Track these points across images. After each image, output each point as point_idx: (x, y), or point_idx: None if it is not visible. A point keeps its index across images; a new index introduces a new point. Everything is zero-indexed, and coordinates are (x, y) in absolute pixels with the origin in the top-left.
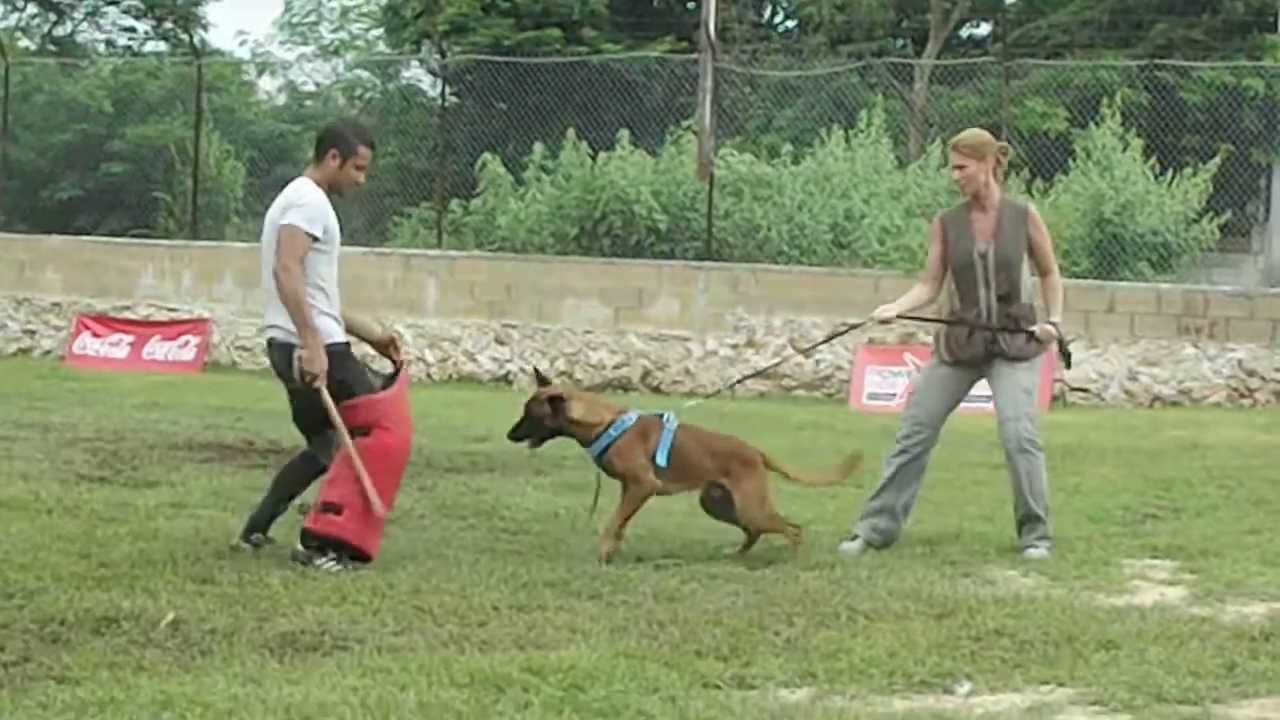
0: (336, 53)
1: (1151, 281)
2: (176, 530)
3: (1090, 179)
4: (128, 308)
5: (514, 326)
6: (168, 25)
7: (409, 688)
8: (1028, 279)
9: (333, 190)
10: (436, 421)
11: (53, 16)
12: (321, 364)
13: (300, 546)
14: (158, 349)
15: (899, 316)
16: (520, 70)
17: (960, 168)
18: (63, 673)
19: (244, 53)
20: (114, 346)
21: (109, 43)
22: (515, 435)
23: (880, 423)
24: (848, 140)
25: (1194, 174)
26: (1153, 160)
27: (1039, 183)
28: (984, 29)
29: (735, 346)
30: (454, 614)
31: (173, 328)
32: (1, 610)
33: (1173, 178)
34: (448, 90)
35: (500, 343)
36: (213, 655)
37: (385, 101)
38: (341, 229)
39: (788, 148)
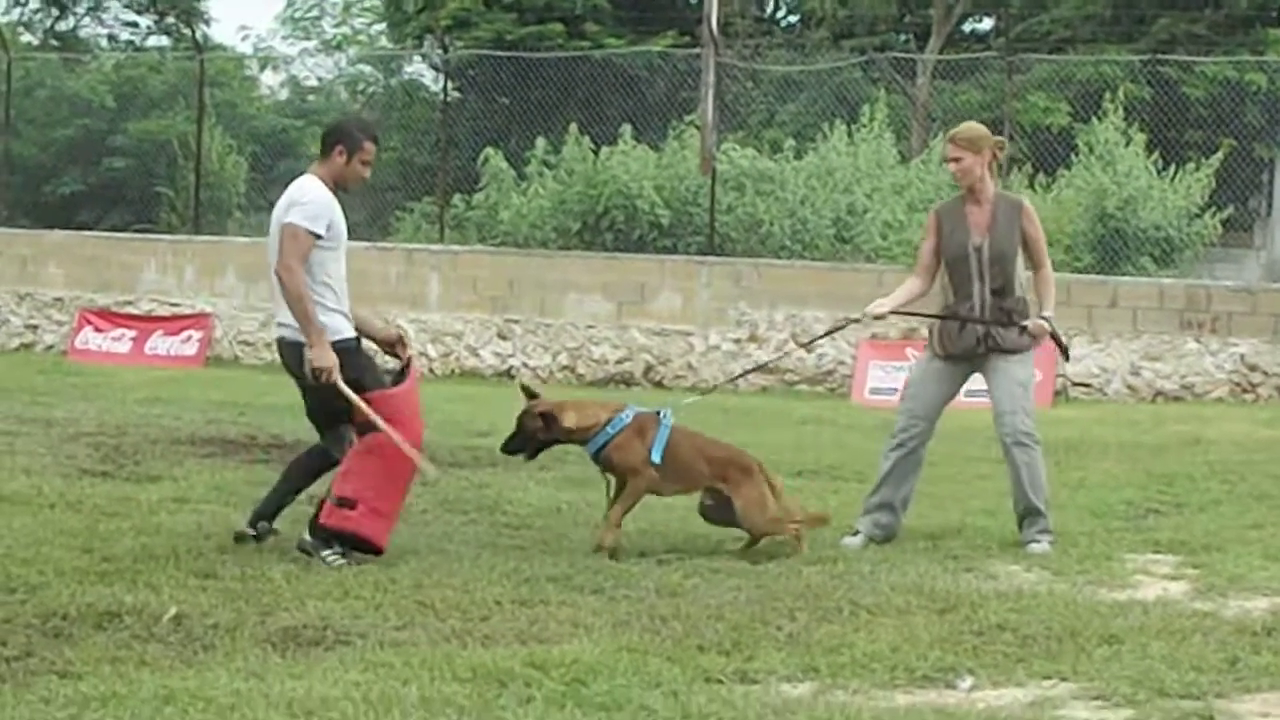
0: (339, 48)
1: (1154, 276)
2: (179, 525)
3: (1093, 174)
4: (130, 303)
5: (516, 321)
6: (170, 20)
7: (411, 682)
8: (1021, 273)
9: (339, 186)
10: (439, 417)
11: (55, 11)
12: (329, 360)
13: (308, 537)
14: (160, 344)
15: (892, 312)
16: (523, 65)
17: (956, 160)
18: (65, 667)
19: (246, 48)
20: (116, 341)
21: (111, 37)
22: (509, 449)
23: (882, 417)
24: (850, 135)
25: (1196, 169)
26: (1155, 155)
27: (1041, 178)
28: (987, 24)
29: (738, 341)
30: (456, 609)
31: (175, 323)
32: (4, 605)
33: (1175, 173)
34: (450, 85)
35: (503, 338)
36: (215, 650)
37: (388, 96)
38: (345, 224)
39: (790, 142)
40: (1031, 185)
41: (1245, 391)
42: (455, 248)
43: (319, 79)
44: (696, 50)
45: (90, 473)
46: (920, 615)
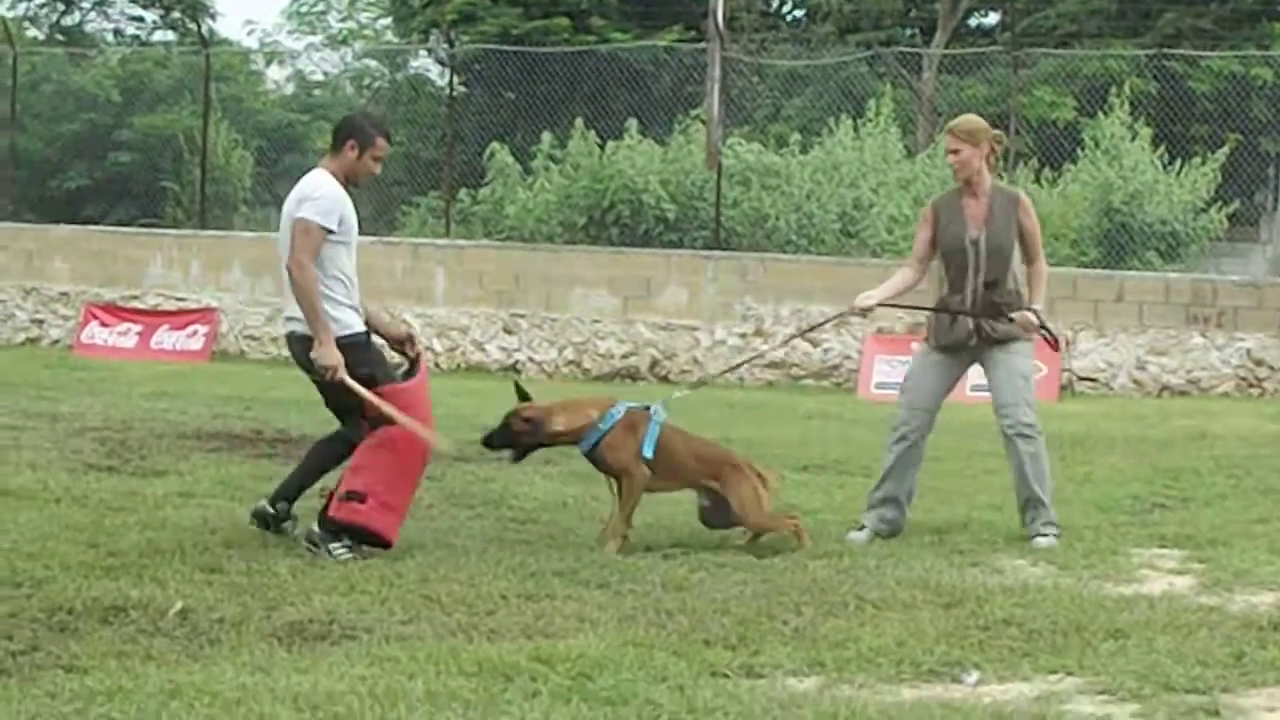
0: (345, 42)
1: (1160, 271)
2: (184, 519)
3: (1099, 168)
4: (136, 297)
5: (522, 316)
6: (176, 15)
7: (417, 677)
8: (1017, 266)
9: (349, 181)
10: (444, 411)
11: (61, 6)
12: (334, 359)
13: (316, 529)
14: (166, 338)
15: (880, 305)
16: (528, 59)
17: (955, 152)
18: (71, 661)
19: (252, 42)
20: (122, 336)
21: (117, 32)
22: (490, 444)
23: (888, 412)
24: (856, 130)
25: (1202, 163)
26: (1161, 149)
27: (1048, 172)
28: (992, 18)
29: (744, 336)
30: (462, 603)
31: (181, 317)
32: (10, 599)
33: (1181, 167)
34: (456, 79)
35: (508, 332)
36: (221, 644)
37: (393, 91)
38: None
39: (796, 137)
40: (1037, 180)
41: (1251, 386)
42: (461, 242)
43: (325, 74)
44: (702, 45)
45: (96, 467)
46: (926, 610)
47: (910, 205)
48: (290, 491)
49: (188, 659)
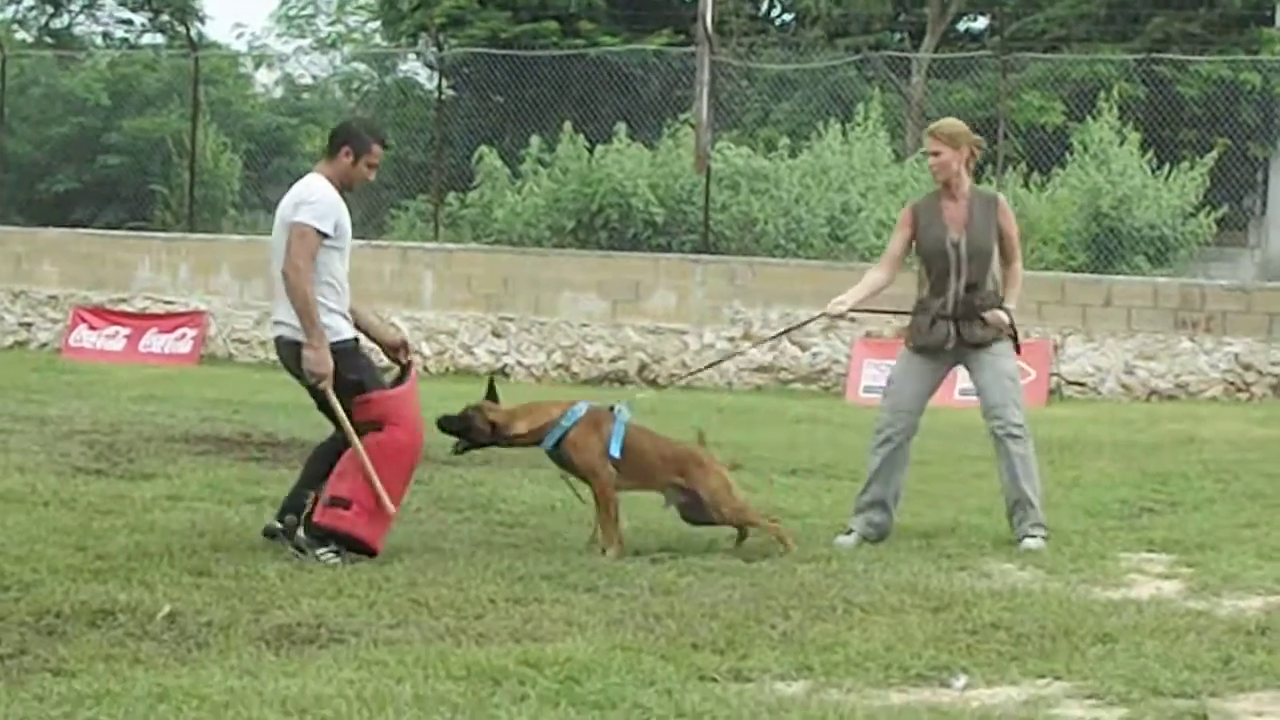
0: (333, 45)
1: (1148, 275)
2: (173, 523)
3: (1087, 173)
4: (124, 300)
5: (511, 319)
6: (164, 18)
7: (405, 680)
8: (996, 268)
9: (344, 187)
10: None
11: (49, 9)
12: (326, 366)
13: (302, 534)
14: (154, 341)
15: (851, 310)
16: (517, 63)
17: (935, 154)
18: (59, 665)
19: (241, 45)
20: (110, 339)
21: (106, 35)
22: (446, 428)
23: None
24: (845, 134)
25: (1191, 168)
26: (1150, 154)
27: (1036, 176)
28: (981, 23)
29: (732, 340)
30: (450, 607)
31: (169, 320)
32: None
33: (1170, 172)
34: (445, 83)
35: (497, 335)
36: (209, 648)
37: (382, 94)
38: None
39: (785, 141)
40: (1026, 184)
41: (1239, 390)
42: (450, 246)
43: (314, 77)
44: (691, 48)
45: (84, 470)
46: (914, 614)
47: (899, 209)
48: (296, 504)
49: (176, 662)
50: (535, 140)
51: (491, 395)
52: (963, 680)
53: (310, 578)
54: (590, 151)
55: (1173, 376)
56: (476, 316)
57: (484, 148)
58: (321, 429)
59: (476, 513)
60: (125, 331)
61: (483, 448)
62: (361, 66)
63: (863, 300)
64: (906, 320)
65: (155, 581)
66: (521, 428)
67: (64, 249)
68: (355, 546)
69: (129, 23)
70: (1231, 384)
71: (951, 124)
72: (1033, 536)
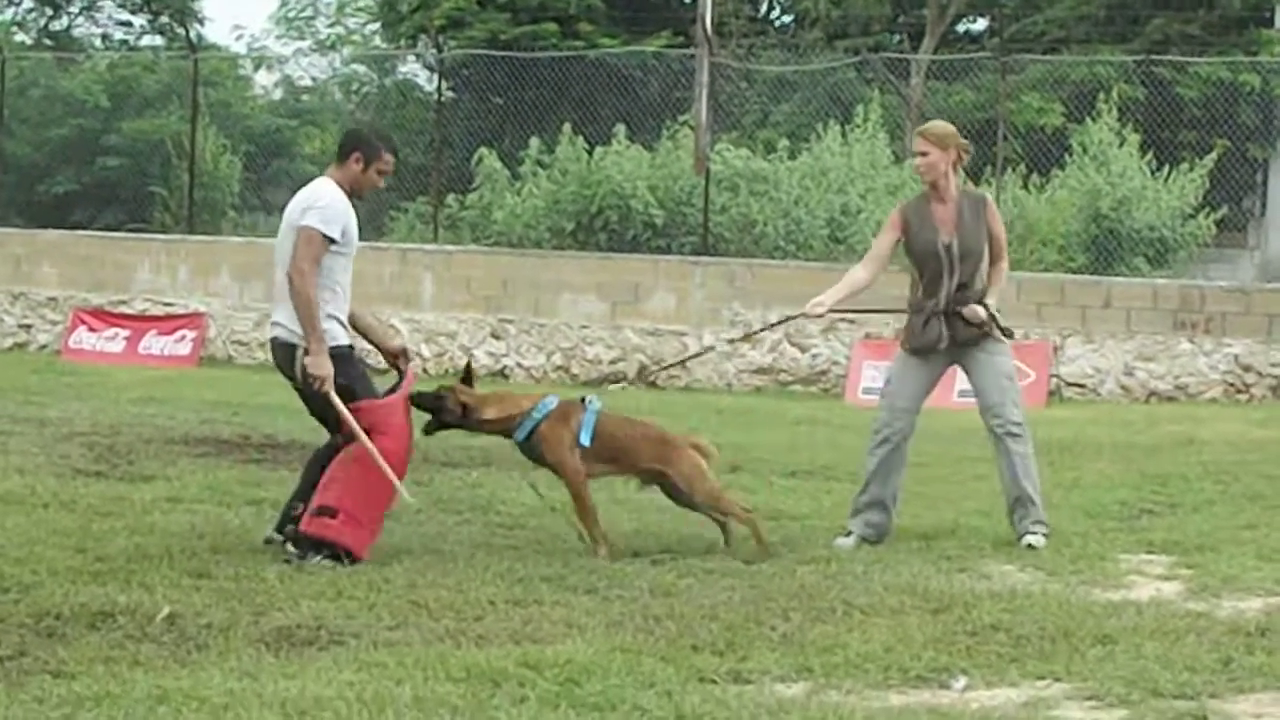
0: (333, 47)
1: (1148, 277)
2: (172, 525)
3: (1087, 174)
4: (124, 302)
5: (510, 321)
6: (164, 19)
7: (405, 682)
8: (985, 268)
9: (353, 193)
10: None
11: (49, 10)
12: (326, 370)
13: (292, 548)
14: (154, 343)
15: (831, 310)
16: (517, 65)
17: (924, 154)
18: (58, 667)
19: (240, 47)
20: (110, 341)
21: (105, 37)
22: (418, 404)
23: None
24: (844, 135)
25: (1190, 169)
26: (1149, 155)
27: (1035, 178)
28: (980, 24)
29: (731, 341)
30: (450, 609)
31: (169, 322)
32: None
33: (1169, 173)
34: (444, 85)
35: (496, 337)
36: (208, 650)
37: (382, 96)
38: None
39: (784, 143)
40: (1026, 186)
41: (1239, 392)
42: (449, 248)
43: (313, 79)
44: (690, 50)
45: (84, 472)
46: (914, 615)
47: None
48: (295, 513)
49: (175, 664)
50: (535, 142)
51: (467, 379)
52: (962, 682)
53: (310, 580)
54: (589, 153)
55: (1172, 378)
56: (476, 318)
57: (483, 149)
58: (321, 432)
59: (476, 514)
60: (125, 333)
61: (451, 429)
62: (361, 68)
63: (842, 300)
64: (901, 319)
65: (155, 583)
66: (492, 414)
67: (63, 251)
68: (341, 555)
69: (128, 24)
70: (1231, 385)
71: (940, 125)
72: (1034, 533)
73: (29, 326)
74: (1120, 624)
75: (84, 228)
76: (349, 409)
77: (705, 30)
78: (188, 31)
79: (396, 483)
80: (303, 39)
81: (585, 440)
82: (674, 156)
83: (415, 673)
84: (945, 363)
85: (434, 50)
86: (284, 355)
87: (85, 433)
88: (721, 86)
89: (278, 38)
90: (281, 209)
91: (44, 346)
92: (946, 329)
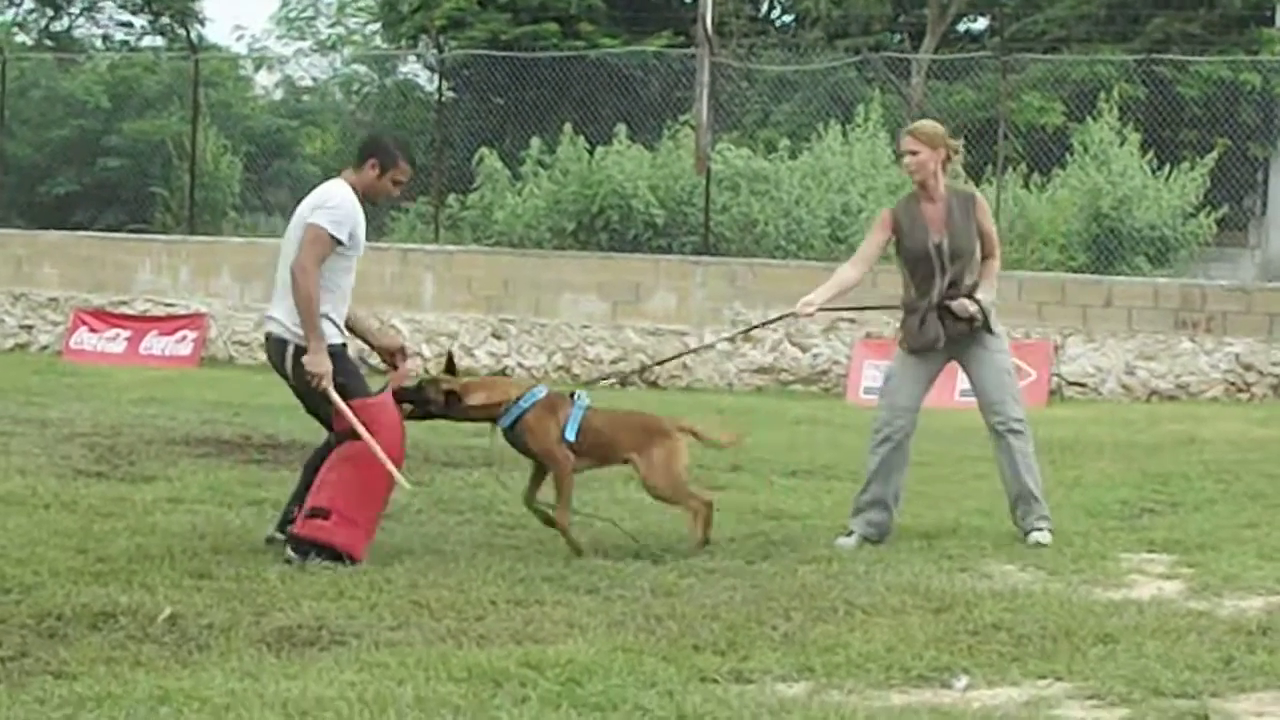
0: (333, 48)
1: (1149, 276)
2: (173, 525)
3: (1088, 173)
4: (125, 303)
5: (511, 321)
6: (165, 20)
7: (406, 682)
8: (976, 264)
9: (366, 198)
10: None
11: (50, 11)
12: (325, 367)
13: (290, 552)
14: (155, 344)
15: (820, 309)
16: (517, 65)
17: (913, 153)
18: (60, 668)
19: (241, 48)
20: (111, 341)
21: (106, 38)
22: (399, 398)
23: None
24: (845, 135)
25: (1191, 168)
26: (1150, 155)
27: (1036, 177)
28: (981, 23)
29: (732, 341)
30: (451, 609)
31: (170, 323)
32: None
33: (1170, 172)
34: (445, 85)
35: (497, 337)
36: (210, 650)
37: (382, 96)
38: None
39: (785, 142)
40: (1026, 185)
41: (1240, 391)
42: (450, 248)
43: (314, 79)
44: (691, 50)
45: (85, 473)
46: (915, 615)
47: None
48: (293, 515)
49: (176, 665)
50: (535, 142)
51: (450, 369)
52: (964, 681)
53: (311, 580)
54: (590, 153)
55: (1173, 377)
56: (477, 318)
57: (484, 149)
58: (322, 432)
59: (477, 514)
60: (126, 334)
61: (435, 418)
62: (362, 69)
63: (831, 299)
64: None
65: (156, 584)
66: (478, 399)
67: (64, 251)
68: (335, 556)
69: (129, 25)
70: (1232, 384)
71: (930, 125)
72: (1039, 529)
73: (30, 327)
74: (1122, 623)
75: (85, 228)
76: (339, 408)
77: (706, 30)
78: (188, 32)
79: (394, 470)
80: (303, 39)
81: (570, 435)
82: (675, 156)
83: (417, 673)
84: (944, 360)
85: (435, 50)
86: (276, 350)
87: (86, 433)
88: (722, 86)
89: (278, 38)
90: (282, 209)
91: (45, 347)
92: (942, 326)
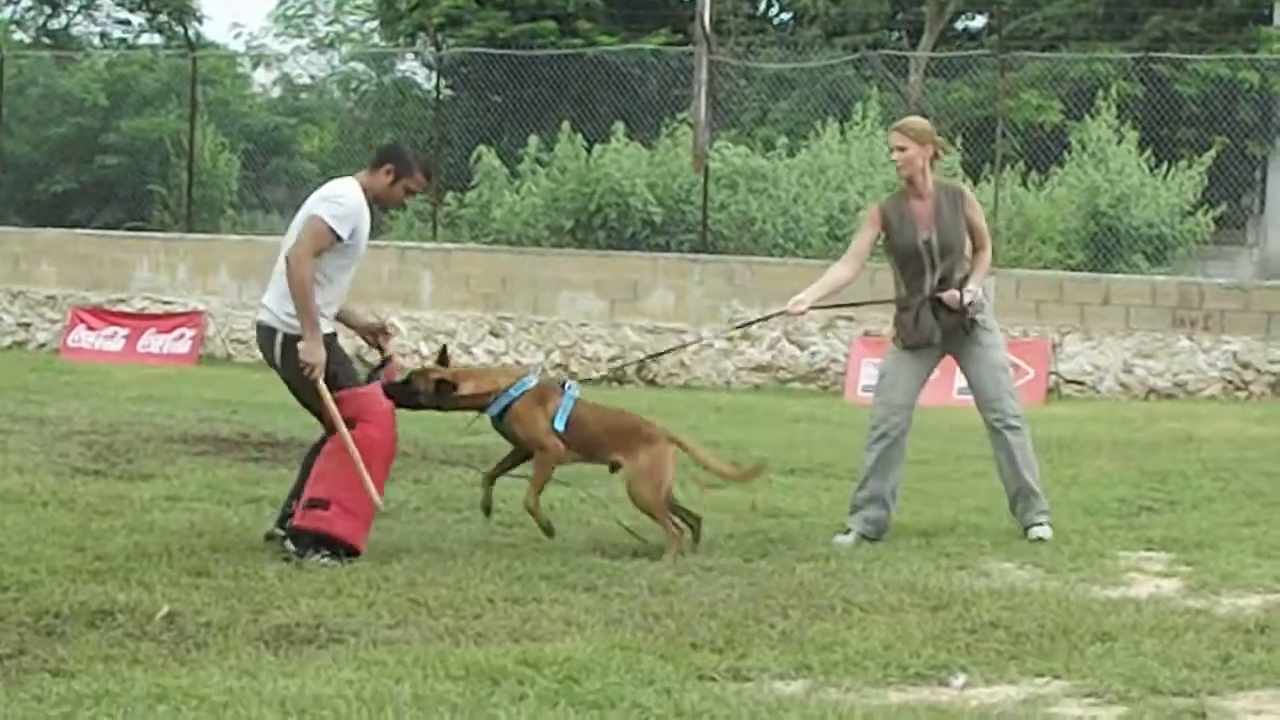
0: (331, 45)
1: (1147, 274)
2: (171, 523)
3: (1085, 171)
4: (123, 300)
5: (509, 319)
6: (162, 18)
7: (404, 680)
8: (966, 259)
9: (376, 201)
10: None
11: (47, 9)
12: (318, 357)
13: (291, 545)
14: (153, 342)
15: (812, 307)
16: (515, 63)
17: (901, 149)
18: (58, 665)
19: (239, 45)
20: (109, 339)
21: (104, 35)
22: (388, 392)
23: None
24: (843, 133)
25: (1189, 166)
26: (1148, 153)
27: (1034, 175)
28: (979, 21)
29: (730, 339)
30: (449, 607)
31: (168, 320)
32: None
33: (1168, 170)
34: (443, 83)
35: (495, 335)
36: (208, 648)
37: (380, 94)
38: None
39: (783, 140)
40: (1024, 183)
41: (1238, 389)
42: (448, 245)
43: (312, 77)
44: (689, 48)
45: (83, 471)
46: (913, 613)
47: None
48: (292, 510)
49: (175, 663)
50: (533, 140)
51: (443, 361)
52: (961, 679)
53: (309, 578)
54: (588, 151)
55: (1171, 375)
56: (475, 316)
57: (482, 147)
58: (319, 428)
59: (475, 513)
60: (124, 332)
61: (426, 409)
62: (359, 66)
63: (823, 298)
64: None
65: (154, 582)
66: (468, 389)
67: (62, 249)
68: (337, 546)
69: (127, 23)
70: (1230, 382)
71: (917, 121)
72: (1039, 524)
73: (28, 325)
74: (1119, 621)
75: (83, 226)
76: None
77: (704, 28)
78: (186, 30)
79: (369, 484)
80: (301, 37)
81: (559, 425)
82: (673, 154)
83: (414, 671)
84: (938, 355)
85: (432, 48)
86: (265, 338)
87: (84, 431)
88: (720, 84)
89: (276, 36)
90: (280, 207)
91: (43, 345)
92: (936, 321)
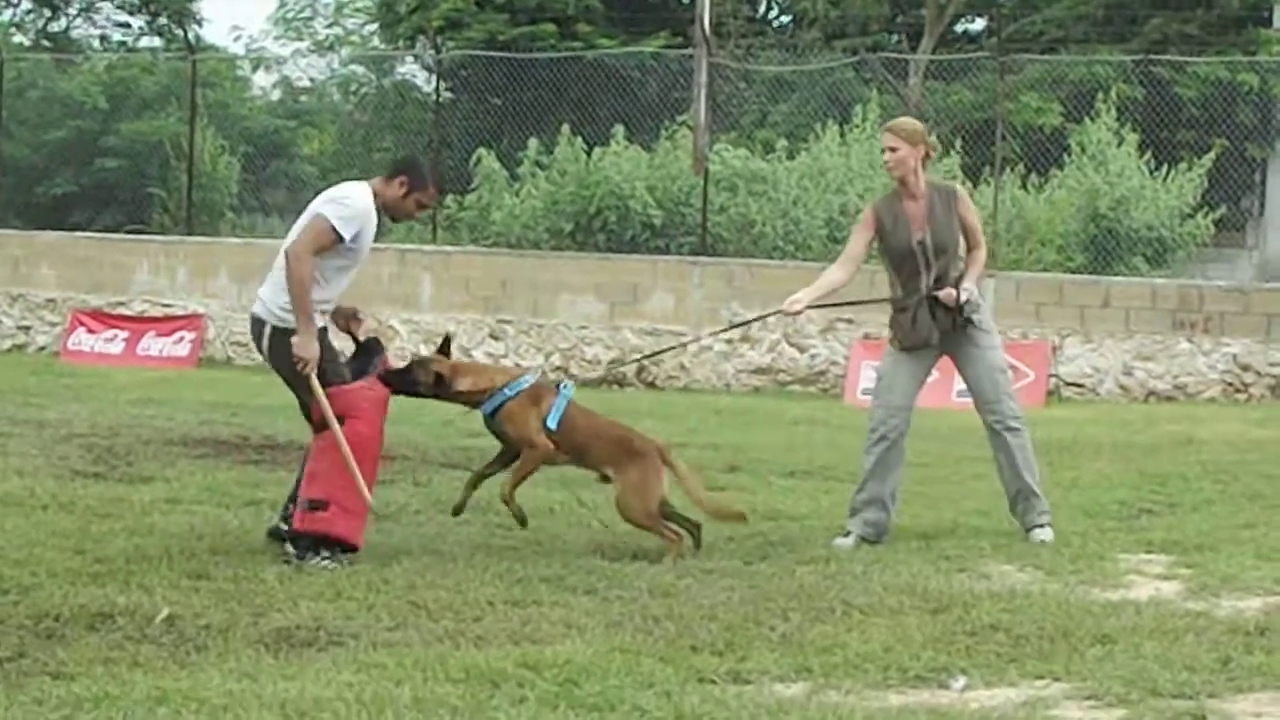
0: (331, 48)
1: (1146, 276)
2: (171, 526)
3: (1085, 174)
4: (123, 303)
5: (509, 322)
6: (162, 21)
7: (404, 683)
8: (961, 259)
9: (386, 211)
10: (431, 417)
11: (47, 12)
12: (312, 352)
13: (291, 548)
14: (152, 345)
15: (809, 307)
16: (515, 66)
17: (893, 150)
18: (58, 668)
19: (238, 48)
20: (109, 342)
21: (103, 38)
22: (386, 379)
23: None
24: (842, 135)
25: (1189, 169)
26: (1148, 155)
27: (1034, 178)
28: (979, 24)
29: (730, 342)
30: (449, 609)
31: (167, 323)
32: None
33: (1168, 173)
34: (442, 86)
35: (495, 338)
36: (208, 651)
37: (380, 97)
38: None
39: (783, 143)
40: (1024, 185)
41: (1238, 391)
42: (448, 248)
43: (311, 80)
44: (689, 51)
45: (83, 474)
46: (913, 615)
47: None
48: (291, 512)
49: (174, 666)
50: (533, 143)
51: (444, 351)
52: (961, 682)
53: (309, 580)
54: (588, 154)
55: (1171, 377)
56: (475, 319)
57: (482, 150)
58: None
59: (475, 515)
60: (123, 335)
61: (422, 398)
62: (359, 69)
63: (819, 299)
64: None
65: (154, 585)
66: (464, 384)
67: (62, 252)
68: (336, 546)
69: (126, 26)
70: (1230, 385)
71: (909, 122)
72: (1041, 526)
73: (28, 328)
74: (1119, 624)
75: (82, 229)
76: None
77: (703, 30)
78: (186, 33)
79: (361, 482)
80: (301, 40)
81: (552, 424)
82: (672, 157)
83: (414, 673)
84: (936, 356)
85: (432, 51)
86: (255, 329)
87: (84, 434)
88: (720, 87)
89: (276, 39)
90: (280, 210)
91: (43, 348)
92: (933, 322)
